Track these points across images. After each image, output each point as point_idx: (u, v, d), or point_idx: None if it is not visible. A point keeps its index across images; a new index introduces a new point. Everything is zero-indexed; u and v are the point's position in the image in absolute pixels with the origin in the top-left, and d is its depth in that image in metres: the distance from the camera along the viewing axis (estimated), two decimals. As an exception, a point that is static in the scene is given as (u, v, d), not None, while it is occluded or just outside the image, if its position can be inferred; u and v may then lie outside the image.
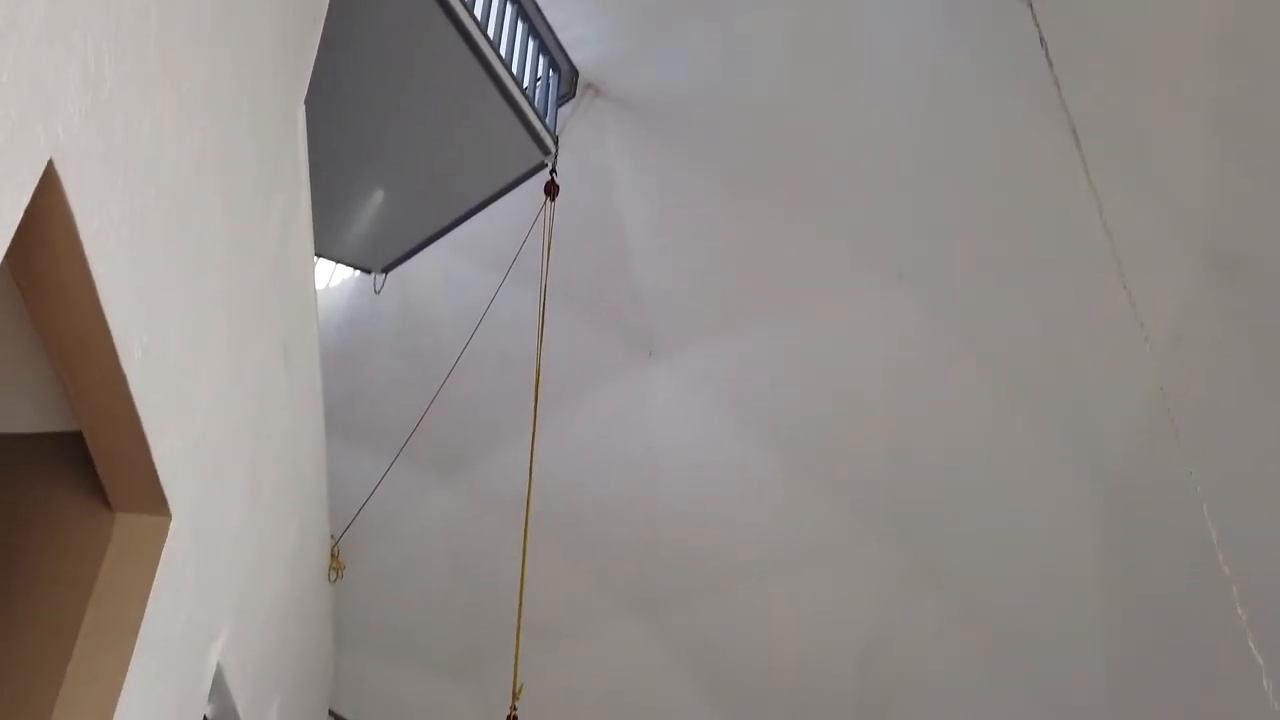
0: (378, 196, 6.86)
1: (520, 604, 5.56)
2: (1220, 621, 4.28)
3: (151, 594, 2.39)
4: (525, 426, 6.29)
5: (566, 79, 7.02)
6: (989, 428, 6.60)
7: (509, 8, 6.33)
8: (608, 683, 8.53)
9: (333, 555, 6.54)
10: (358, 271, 8.22)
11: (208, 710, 3.78)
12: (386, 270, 7.66)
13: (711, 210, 7.44)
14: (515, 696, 5.43)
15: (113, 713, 2.25)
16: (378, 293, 7.75)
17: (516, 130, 6.19)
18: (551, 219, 6.32)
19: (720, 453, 7.76)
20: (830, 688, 7.87)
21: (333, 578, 6.57)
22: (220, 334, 2.68)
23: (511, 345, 7.85)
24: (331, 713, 8.29)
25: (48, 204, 1.43)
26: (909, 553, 7.33)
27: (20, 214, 1.29)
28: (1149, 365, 4.39)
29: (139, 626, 2.33)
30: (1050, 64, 4.39)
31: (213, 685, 3.46)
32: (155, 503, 2.39)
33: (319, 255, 6.40)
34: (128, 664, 2.30)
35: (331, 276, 8.71)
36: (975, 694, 7.18)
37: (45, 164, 1.36)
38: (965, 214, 6.36)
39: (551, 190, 6.35)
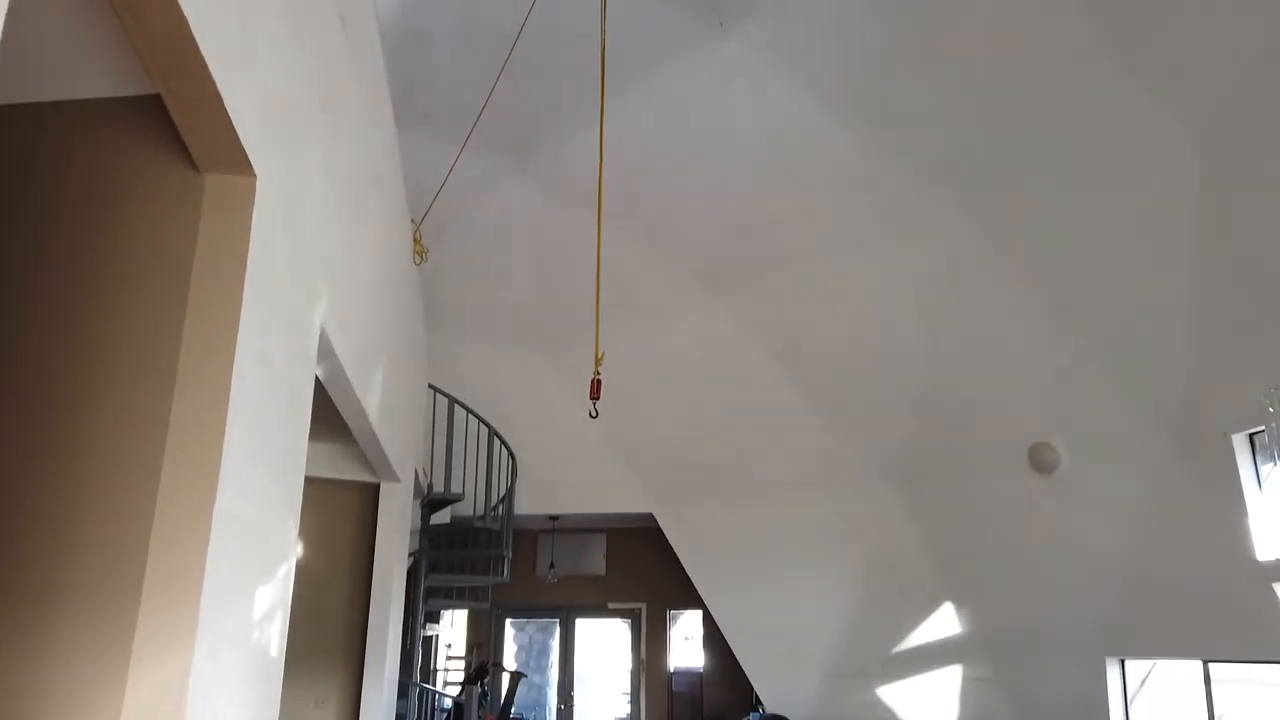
0: None
1: (598, 269, 5.71)
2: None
3: (250, 251, 2.51)
4: (593, 107, 6.13)
5: None
6: (1082, 78, 6.16)
7: None
8: (684, 353, 8.98)
9: (415, 239, 6.74)
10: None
11: (318, 371, 4.12)
12: (436, -63, 7.15)
13: None
14: (598, 362, 5.77)
15: (232, 362, 2.46)
16: (429, -36, 7.30)
17: None
18: None
19: (794, 126, 7.50)
20: (901, 357, 8.14)
21: (418, 260, 6.83)
22: (274, -11, 2.59)
23: (573, 19, 7.45)
24: (431, 386, 8.99)
25: None
26: (987, 220, 7.22)
27: None
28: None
29: (243, 280, 2.48)
30: None
31: (320, 347, 3.75)
32: (239, 163, 2.44)
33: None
34: (239, 316, 2.48)
35: (380, -50, 8.19)
36: (1048, 365, 7.34)
37: None
38: None
39: None
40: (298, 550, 7.05)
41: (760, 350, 8.73)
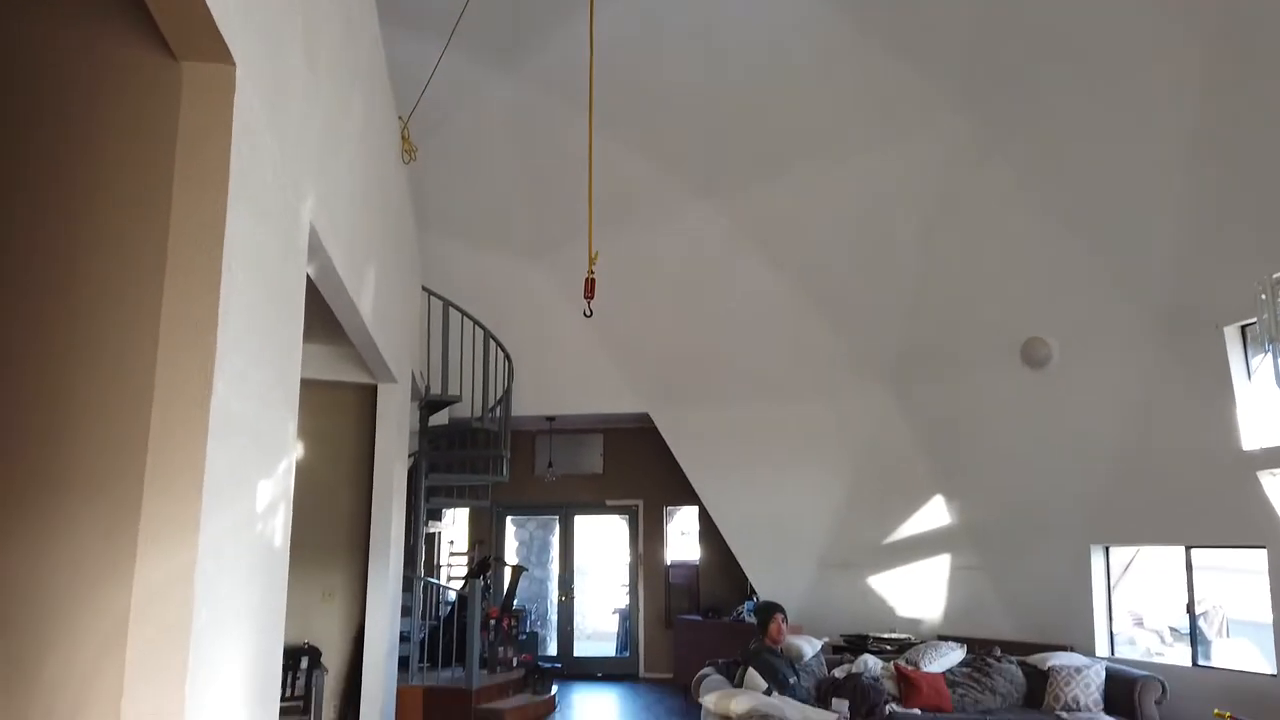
0: None
1: (590, 166, 5.62)
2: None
3: (233, 143, 2.46)
4: (583, 1, 5.93)
5: None
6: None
7: None
8: (678, 253, 8.91)
9: (403, 137, 6.61)
10: None
11: (309, 269, 4.09)
12: None
13: None
14: (592, 261, 5.74)
15: (221, 257, 2.42)
16: None
17: None
18: None
19: (788, 20, 7.27)
20: (895, 254, 8.09)
21: (406, 159, 6.71)
22: None
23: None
24: (425, 288, 8.96)
25: None
26: (983, 114, 7.09)
27: None
28: None
29: (228, 173, 2.43)
30: None
31: (309, 244, 3.71)
32: (217, 50, 2.37)
33: None
34: (225, 209, 2.44)
35: None
36: (1042, 259, 7.30)
37: None
38: None
39: None
40: (299, 450, 7.15)
41: (754, 249, 8.67)
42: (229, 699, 2.60)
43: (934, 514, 8.79)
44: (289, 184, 3.22)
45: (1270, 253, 5.66)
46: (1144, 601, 8.67)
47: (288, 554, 3.35)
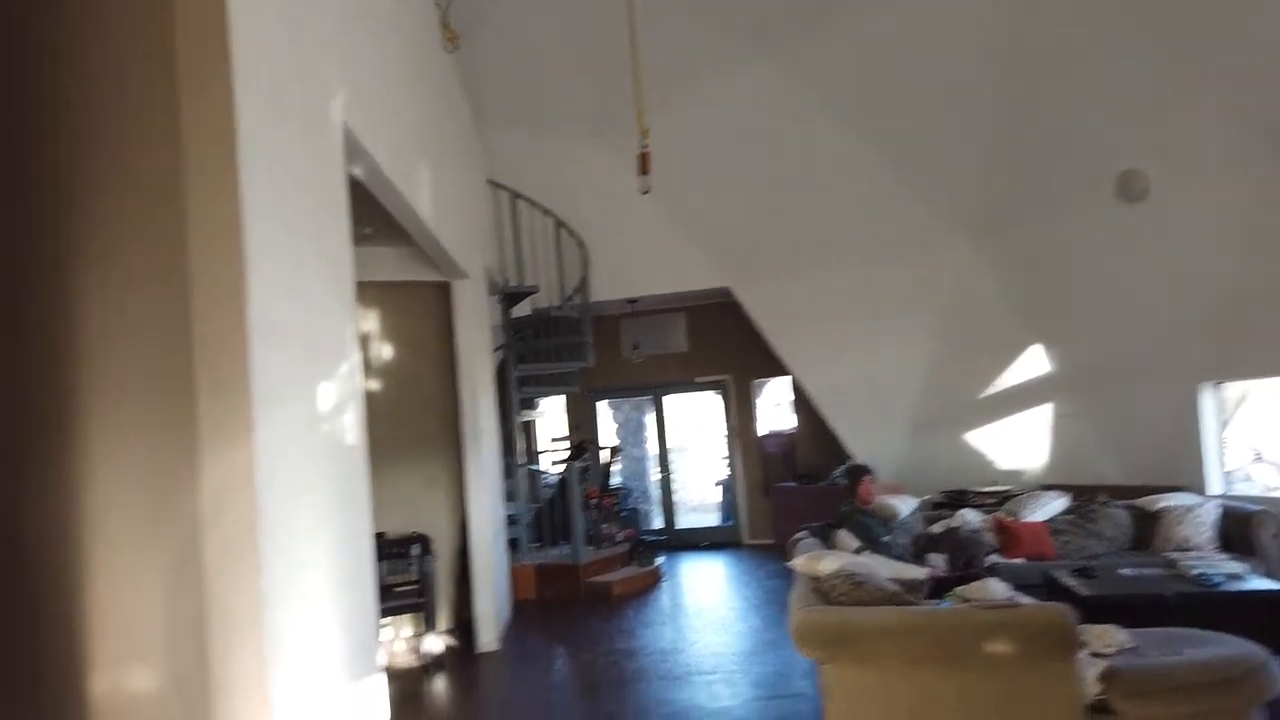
0: None
1: (634, 34, 5.38)
2: None
3: (232, 39, 2.40)
4: None
5: None
6: None
7: None
8: (745, 119, 8.57)
9: (444, 25, 6.43)
10: None
11: (356, 172, 4.07)
12: None
13: None
14: (643, 135, 5.56)
15: (236, 164, 2.40)
16: None
17: None
18: None
19: None
20: (976, 94, 7.57)
21: (449, 48, 6.55)
22: None
23: None
24: (491, 181, 8.90)
25: None
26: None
27: None
28: None
29: (231, 72, 2.39)
30: None
31: (349, 146, 3.67)
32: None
33: None
34: (234, 109, 2.40)
35: None
36: (1131, 79, 6.72)
37: None
38: None
39: None
40: (388, 351, 7.31)
41: (824, 106, 8.24)
42: (312, 586, 2.72)
43: (1032, 363, 8.49)
44: (314, 82, 3.16)
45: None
46: (1261, 436, 8.27)
47: (365, 450, 3.45)
